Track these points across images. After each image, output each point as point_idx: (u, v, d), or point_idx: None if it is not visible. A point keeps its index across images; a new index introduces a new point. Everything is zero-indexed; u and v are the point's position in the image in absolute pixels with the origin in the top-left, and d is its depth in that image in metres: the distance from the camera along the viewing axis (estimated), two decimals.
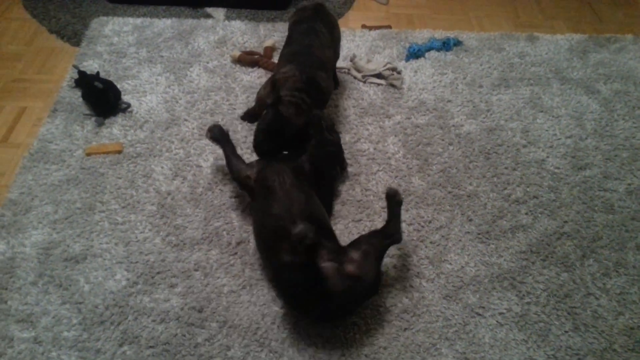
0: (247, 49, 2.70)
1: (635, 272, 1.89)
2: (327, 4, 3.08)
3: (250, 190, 1.92)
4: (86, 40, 2.75)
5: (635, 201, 2.11)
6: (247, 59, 2.61)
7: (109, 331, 1.71)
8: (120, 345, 1.68)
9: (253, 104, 2.38)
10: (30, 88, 2.55)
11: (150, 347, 1.68)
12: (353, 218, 2.03)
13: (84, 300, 1.78)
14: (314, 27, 2.23)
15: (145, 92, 2.48)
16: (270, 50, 2.66)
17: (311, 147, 1.94)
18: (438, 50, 2.72)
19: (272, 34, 2.79)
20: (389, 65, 2.54)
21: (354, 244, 1.69)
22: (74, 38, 2.80)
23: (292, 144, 2.00)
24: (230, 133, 2.29)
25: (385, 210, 1.79)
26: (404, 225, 2.00)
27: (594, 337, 1.74)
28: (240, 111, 2.40)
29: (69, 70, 2.58)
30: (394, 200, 1.74)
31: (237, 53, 2.62)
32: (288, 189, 1.78)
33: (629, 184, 2.17)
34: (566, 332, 1.75)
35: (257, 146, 2.01)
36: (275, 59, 2.55)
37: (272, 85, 2.03)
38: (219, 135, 2.05)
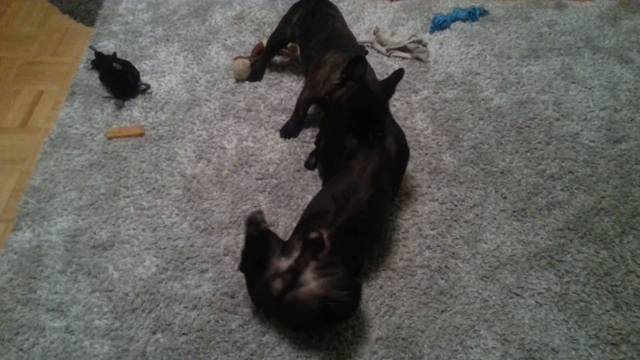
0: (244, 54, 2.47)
1: None
2: None
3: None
4: (100, 20, 2.68)
5: None
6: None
7: (140, 319, 1.68)
8: (153, 333, 1.65)
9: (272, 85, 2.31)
10: (46, 71, 2.49)
11: (184, 334, 1.65)
12: None
13: (113, 288, 1.75)
14: (328, 12, 2.21)
15: (164, 73, 2.42)
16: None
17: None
18: (464, 20, 2.63)
19: None
20: (413, 38, 2.45)
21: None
22: (88, 18, 2.73)
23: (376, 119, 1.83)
24: (252, 112, 2.25)
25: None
26: (436, 205, 1.95)
27: (637, 315, 1.69)
28: (263, 90, 2.33)
29: (84, 51, 2.52)
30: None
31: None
32: (363, 178, 1.68)
33: None
34: (607, 311, 1.70)
35: (348, 127, 1.82)
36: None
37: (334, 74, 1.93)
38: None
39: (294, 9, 2.30)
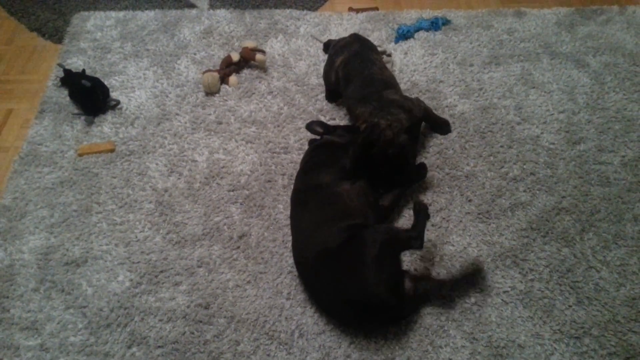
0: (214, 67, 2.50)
1: (633, 244, 1.92)
2: None
3: None
4: (68, 37, 2.69)
5: (630, 173, 2.12)
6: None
7: (116, 333, 1.70)
8: (129, 347, 1.67)
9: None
10: (14, 89, 2.49)
11: (159, 347, 1.67)
12: None
13: (88, 304, 1.76)
14: (369, 58, 2.21)
15: (134, 88, 2.44)
16: (249, 51, 2.49)
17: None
18: (427, 30, 2.70)
19: (259, 21, 2.74)
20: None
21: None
22: (56, 35, 2.73)
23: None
24: (223, 125, 2.28)
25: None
26: (403, 210, 2.01)
27: (597, 309, 1.76)
28: (232, 102, 2.37)
29: (53, 68, 2.52)
30: (421, 214, 1.75)
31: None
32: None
33: (623, 156, 2.18)
34: (570, 306, 1.77)
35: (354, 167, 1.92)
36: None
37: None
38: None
39: (338, 50, 2.29)
